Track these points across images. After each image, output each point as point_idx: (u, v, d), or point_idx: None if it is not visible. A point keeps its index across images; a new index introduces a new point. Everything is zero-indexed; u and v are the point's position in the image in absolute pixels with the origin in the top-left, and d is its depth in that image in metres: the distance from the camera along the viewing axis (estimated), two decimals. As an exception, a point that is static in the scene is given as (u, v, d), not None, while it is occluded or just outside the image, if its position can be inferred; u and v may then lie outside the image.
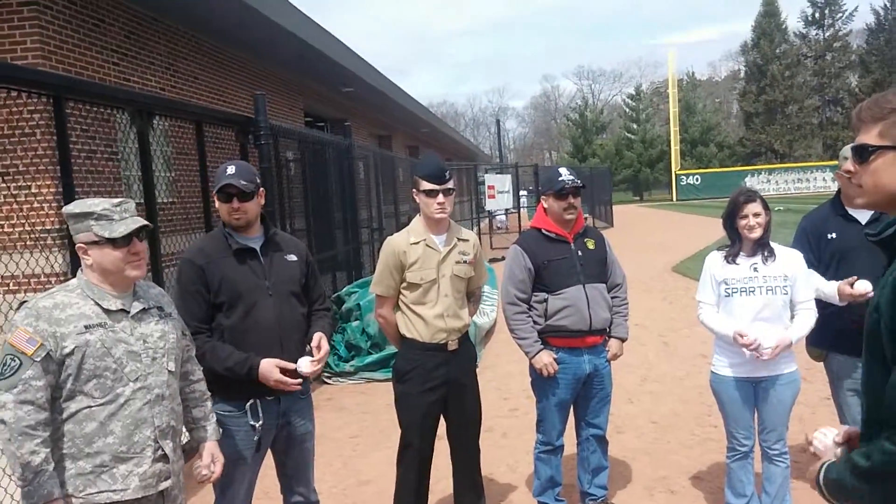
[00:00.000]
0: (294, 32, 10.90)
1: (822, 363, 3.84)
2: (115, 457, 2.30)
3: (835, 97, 55.03)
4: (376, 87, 16.86)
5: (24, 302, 2.33)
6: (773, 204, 25.36)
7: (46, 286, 2.49)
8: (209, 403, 2.74)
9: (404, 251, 3.45)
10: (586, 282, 3.67)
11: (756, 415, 3.60)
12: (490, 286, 8.49)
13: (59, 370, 2.24)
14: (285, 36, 10.92)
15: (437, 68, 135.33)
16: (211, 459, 2.67)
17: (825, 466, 1.59)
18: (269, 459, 3.20)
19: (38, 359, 2.19)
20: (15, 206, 6.34)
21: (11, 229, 6.41)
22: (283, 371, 2.95)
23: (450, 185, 3.46)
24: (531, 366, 3.74)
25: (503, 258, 3.95)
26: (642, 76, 78.21)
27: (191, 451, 2.76)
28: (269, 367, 2.93)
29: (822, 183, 45.47)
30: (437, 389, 3.48)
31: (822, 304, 3.63)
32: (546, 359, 3.64)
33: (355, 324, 7.39)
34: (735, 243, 3.55)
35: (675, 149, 48.94)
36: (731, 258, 3.54)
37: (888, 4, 52.85)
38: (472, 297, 3.69)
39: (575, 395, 3.77)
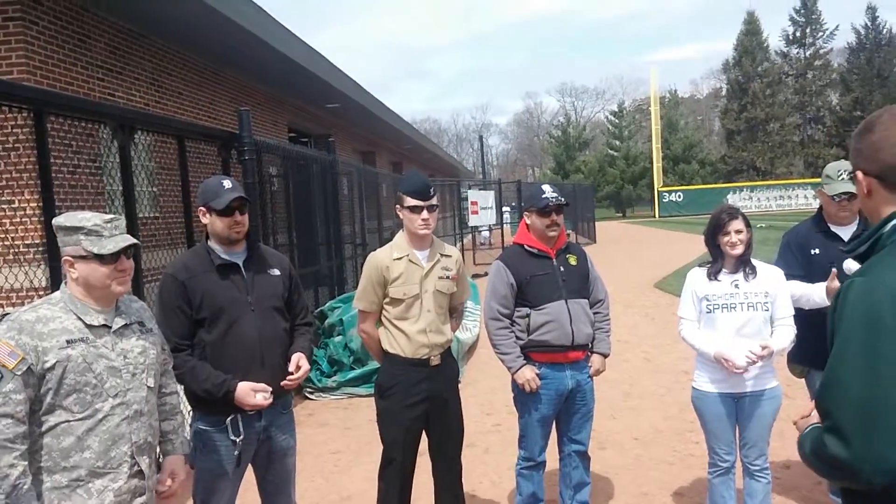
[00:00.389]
0: (279, 49, 10.93)
1: (803, 380, 3.88)
2: (91, 472, 2.29)
3: (816, 115, 55.84)
4: (360, 104, 16.91)
5: (6, 314, 2.32)
6: (756, 221, 25.63)
7: (26, 301, 2.48)
8: (179, 417, 2.72)
9: (387, 266, 3.46)
10: (568, 297, 3.69)
11: (737, 430, 3.62)
12: (473, 302, 8.52)
13: (40, 384, 2.23)
14: (270, 52, 10.95)
15: (420, 85, 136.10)
16: (168, 474, 2.64)
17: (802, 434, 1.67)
18: (249, 475, 3.18)
19: (20, 372, 2.17)
20: (-5, 220, 6.29)
21: (-8, 244, 6.35)
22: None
23: (434, 201, 3.49)
24: (514, 381, 3.75)
25: (486, 274, 3.97)
26: (625, 93, 79.09)
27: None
28: (246, 391, 2.93)
29: (803, 200, 46.04)
30: (420, 405, 3.48)
31: (803, 323, 3.67)
32: (528, 374, 3.66)
33: (338, 339, 7.37)
34: (717, 260, 3.58)
35: (657, 166, 49.39)
36: (712, 275, 3.57)
37: (868, 23, 53.88)
38: (454, 312, 3.71)
39: (557, 410, 3.78)
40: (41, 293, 2.59)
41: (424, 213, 3.43)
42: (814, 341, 3.66)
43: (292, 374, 3.08)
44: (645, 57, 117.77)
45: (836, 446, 1.42)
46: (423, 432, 3.58)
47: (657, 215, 47.80)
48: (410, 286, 3.45)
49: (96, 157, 7.33)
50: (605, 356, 3.88)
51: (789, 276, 3.66)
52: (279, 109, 14.42)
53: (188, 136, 5.42)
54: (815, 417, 1.66)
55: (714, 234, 3.56)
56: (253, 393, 2.94)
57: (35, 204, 6.06)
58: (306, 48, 12.48)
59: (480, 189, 20.88)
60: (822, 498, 4.20)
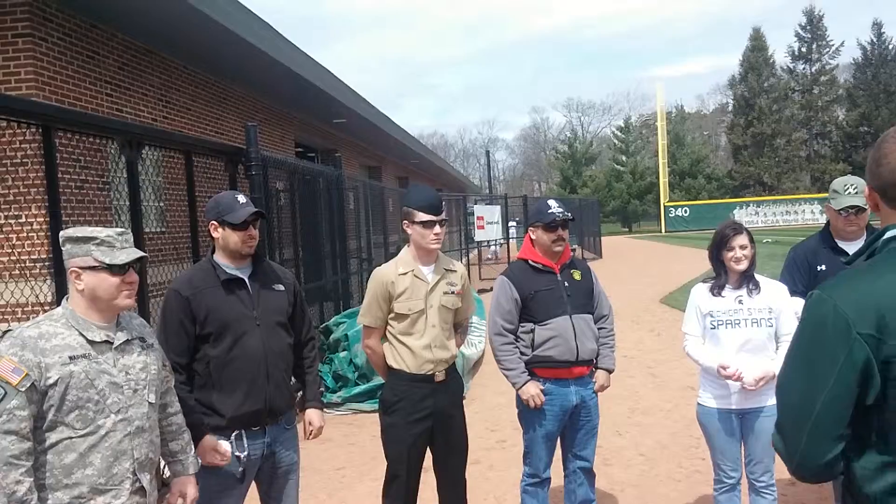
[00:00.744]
0: (287, 65, 11.01)
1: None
2: (93, 489, 2.28)
3: (822, 130, 55.84)
4: (367, 119, 16.99)
5: (8, 331, 2.33)
6: (762, 236, 25.61)
7: (31, 315, 2.49)
8: (186, 436, 2.71)
9: (392, 282, 3.46)
10: (573, 312, 3.69)
11: (743, 447, 3.60)
12: (478, 317, 8.50)
13: (42, 400, 2.23)
14: (279, 68, 11.03)
15: (427, 100, 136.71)
16: (178, 495, 2.63)
17: None
18: (253, 491, 3.17)
19: (23, 389, 2.18)
20: (1, 235, 6.33)
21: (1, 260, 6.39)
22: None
23: (444, 215, 3.50)
24: (518, 397, 3.74)
25: (492, 289, 3.96)
26: (631, 108, 79.30)
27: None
28: (210, 446, 2.90)
29: (810, 215, 45.92)
30: (424, 421, 3.47)
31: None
32: (533, 390, 3.64)
33: (343, 354, 7.36)
34: (721, 276, 3.58)
35: (663, 181, 49.39)
36: (716, 290, 3.57)
37: (874, 39, 53.98)
38: (459, 327, 3.70)
39: (562, 426, 3.76)
40: (47, 308, 2.60)
41: (437, 228, 3.43)
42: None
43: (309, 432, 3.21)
44: (651, 72, 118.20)
45: (778, 441, 1.57)
46: (428, 448, 3.57)
47: (663, 230, 47.73)
48: (415, 301, 3.45)
49: (104, 172, 7.39)
50: (610, 372, 3.87)
51: (794, 292, 3.65)
52: (286, 124, 14.50)
53: (195, 151, 5.46)
54: None
55: (718, 249, 3.56)
56: (213, 452, 2.91)
57: (42, 219, 6.11)
58: (313, 64, 12.57)
59: (487, 204, 20.91)
60: (830, 516, 4.16)
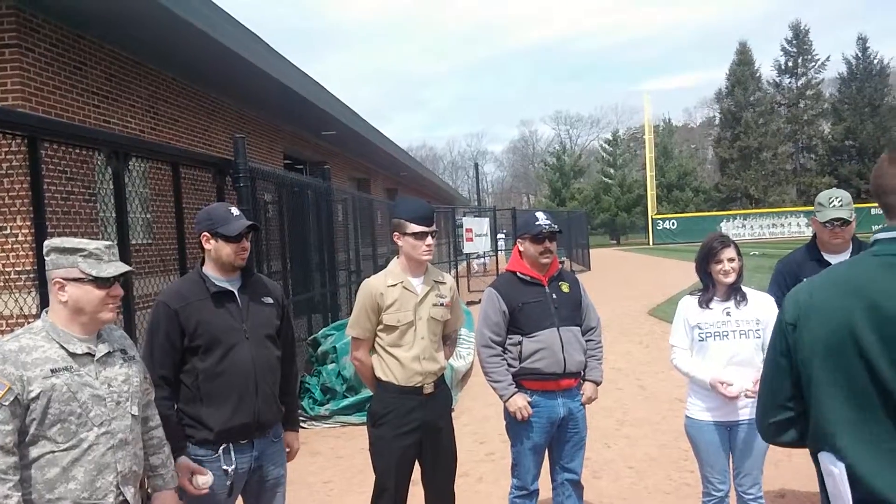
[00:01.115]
0: (275, 77, 11.02)
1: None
2: (76, 503, 2.25)
3: (808, 144, 56.37)
4: (356, 131, 17.01)
5: None
6: (749, 249, 25.75)
7: (15, 328, 2.45)
8: (167, 450, 2.68)
9: (381, 293, 3.45)
10: (560, 324, 3.69)
11: (731, 459, 3.60)
12: (467, 329, 8.49)
13: (25, 414, 2.20)
14: (267, 80, 11.04)
15: (416, 113, 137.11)
16: None
17: None
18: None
19: (7, 403, 2.15)
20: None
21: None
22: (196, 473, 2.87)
23: (434, 226, 3.50)
24: (506, 409, 3.73)
25: (480, 301, 3.96)
26: (619, 122, 79.69)
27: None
28: (183, 469, 2.83)
29: (796, 228, 46.32)
30: (413, 433, 3.46)
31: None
32: (520, 402, 3.63)
33: (331, 367, 7.32)
34: (708, 288, 3.59)
35: (651, 193, 49.66)
36: (704, 303, 3.58)
37: (859, 54, 54.65)
38: (448, 339, 3.70)
39: (549, 438, 3.75)
40: (31, 320, 2.56)
41: (428, 239, 3.44)
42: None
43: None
44: (639, 86, 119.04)
45: (756, 414, 1.90)
46: (416, 461, 3.55)
47: (651, 243, 47.94)
48: (404, 313, 3.44)
49: (90, 183, 7.34)
50: (598, 384, 3.87)
51: (780, 305, 3.66)
52: (275, 136, 14.49)
53: (183, 162, 5.43)
54: None
55: (706, 261, 3.57)
56: (188, 473, 2.84)
57: (27, 230, 6.06)
58: (302, 76, 12.58)
59: (475, 216, 20.94)
60: (818, 528, 4.16)
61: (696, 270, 3.66)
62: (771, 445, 3.56)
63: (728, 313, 3.53)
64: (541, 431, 3.70)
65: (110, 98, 8.45)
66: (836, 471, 1.57)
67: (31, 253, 6.02)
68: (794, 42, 56.00)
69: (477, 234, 18.69)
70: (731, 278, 3.51)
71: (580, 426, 3.79)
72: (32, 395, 2.19)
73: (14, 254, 6.35)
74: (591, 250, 30.51)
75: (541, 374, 3.66)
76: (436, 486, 3.59)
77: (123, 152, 4.30)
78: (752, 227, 47.68)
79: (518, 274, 3.78)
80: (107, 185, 4.64)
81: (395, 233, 3.51)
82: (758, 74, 56.38)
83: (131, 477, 2.39)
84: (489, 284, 3.97)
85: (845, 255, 3.68)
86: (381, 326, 3.47)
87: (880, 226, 1.73)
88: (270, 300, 3.18)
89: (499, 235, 22.04)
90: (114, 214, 4.32)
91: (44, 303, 3.47)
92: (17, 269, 6.35)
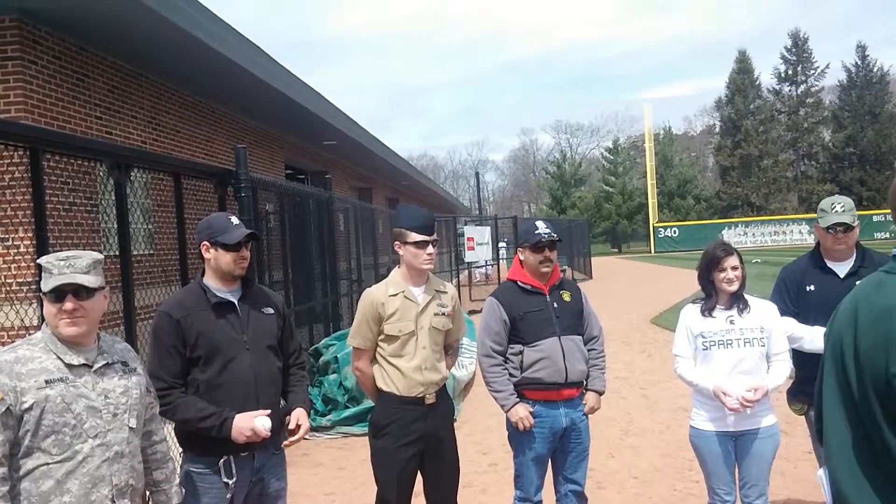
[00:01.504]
0: (278, 88, 11.05)
1: (802, 416, 3.84)
2: None
3: (808, 151, 56.40)
4: (358, 141, 17.04)
5: None
6: (751, 256, 25.73)
7: (16, 340, 2.45)
8: (171, 465, 2.67)
9: (382, 303, 3.44)
10: (562, 334, 3.67)
11: (737, 469, 3.58)
12: (469, 338, 8.47)
13: (18, 426, 2.19)
14: (269, 91, 11.07)
15: (417, 123, 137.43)
16: None
17: None
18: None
19: None
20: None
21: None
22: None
23: (435, 235, 3.49)
24: (508, 419, 3.71)
25: (482, 310, 3.95)
26: (619, 130, 79.71)
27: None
28: (244, 418, 2.87)
29: (798, 235, 46.32)
30: (415, 444, 3.44)
31: (803, 360, 3.65)
32: (522, 412, 3.61)
33: (332, 377, 7.30)
34: (711, 296, 3.57)
35: (652, 201, 49.70)
36: (706, 311, 3.56)
37: (859, 62, 54.78)
38: (449, 349, 3.68)
39: (552, 449, 3.73)
40: (32, 332, 2.56)
41: (430, 248, 3.43)
42: (814, 378, 3.65)
43: (293, 432, 3.05)
44: (639, 94, 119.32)
45: None
46: (419, 472, 3.53)
47: (653, 251, 47.92)
48: (406, 323, 3.43)
49: (92, 194, 7.35)
50: (600, 393, 3.84)
51: (784, 312, 3.66)
52: (276, 147, 14.52)
53: (184, 173, 5.44)
54: None
55: (709, 269, 3.55)
56: (251, 418, 2.87)
57: (29, 242, 6.06)
58: (304, 86, 12.62)
59: (477, 225, 20.94)
60: (824, 538, 4.12)
61: (698, 279, 3.64)
62: (777, 455, 3.55)
63: (732, 321, 3.51)
64: (543, 442, 3.68)
65: (112, 109, 8.47)
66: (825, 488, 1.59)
67: (32, 264, 6.02)
68: (794, 50, 56.14)
69: (478, 242, 18.68)
70: (735, 286, 3.50)
71: (583, 436, 3.76)
72: (26, 405, 2.19)
73: (15, 265, 6.36)
74: (592, 258, 30.49)
75: (542, 383, 3.64)
76: (438, 498, 3.56)
77: (125, 163, 4.30)
78: (753, 234, 47.67)
79: (519, 283, 3.77)
80: (108, 196, 4.65)
81: (396, 242, 3.50)
82: (758, 82, 56.51)
83: (128, 490, 2.38)
84: (490, 294, 3.96)
85: (849, 263, 3.66)
86: (382, 336, 3.46)
87: None
88: (271, 310, 3.17)
89: (500, 244, 22.02)
90: (115, 225, 4.32)
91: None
92: (19, 280, 6.35)
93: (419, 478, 3.55)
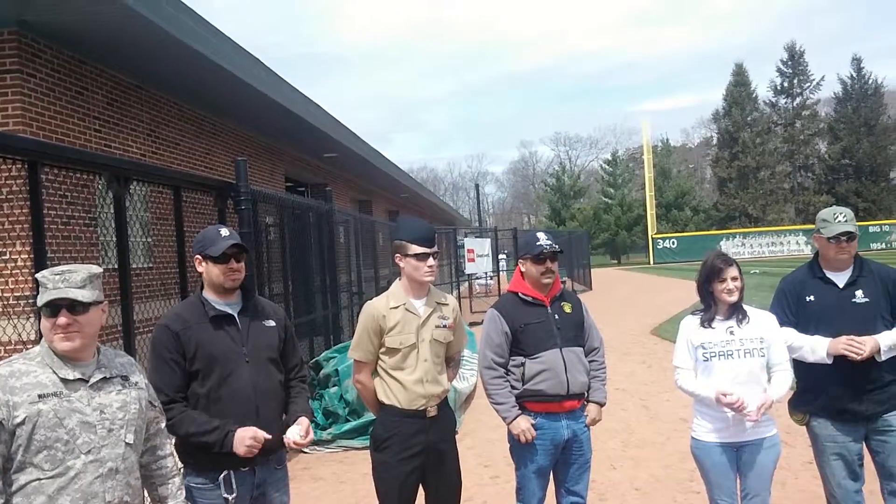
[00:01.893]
0: (276, 100, 11.07)
1: (803, 427, 3.83)
2: None
3: (805, 163, 56.64)
4: (358, 154, 17.07)
5: None
6: (749, 267, 25.73)
7: (13, 354, 2.44)
8: (177, 480, 2.64)
9: (384, 315, 3.43)
10: (563, 345, 3.66)
11: (738, 480, 3.55)
12: (470, 350, 8.45)
13: (11, 440, 2.17)
14: (269, 104, 11.09)
15: (417, 135, 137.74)
16: None
17: None
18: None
19: None
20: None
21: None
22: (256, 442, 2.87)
23: (436, 247, 3.48)
24: (509, 432, 3.69)
25: (483, 322, 3.93)
26: (618, 142, 79.98)
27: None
28: (245, 432, 2.85)
29: (795, 246, 46.47)
30: (416, 457, 3.41)
31: (804, 371, 3.65)
32: (524, 424, 3.60)
33: (333, 390, 7.27)
34: (710, 307, 3.57)
35: (650, 213, 49.81)
36: (706, 322, 3.55)
37: (854, 74, 55.12)
38: (451, 361, 3.66)
39: (554, 461, 3.71)
40: (29, 346, 2.55)
41: (430, 260, 3.42)
42: (815, 389, 3.65)
43: (293, 437, 3.02)
44: (637, 107, 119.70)
45: None
46: (420, 486, 3.50)
47: (652, 262, 47.97)
48: (407, 335, 3.42)
49: (91, 208, 7.34)
50: (602, 405, 3.83)
51: (784, 323, 3.65)
52: (276, 159, 14.53)
53: (184, 185, 5.44)
54: None
55: (708, 280, 3.55)
56: (252, 430, 2.85)
57: (27, 255, 6.05)
58: (304, 99, 12.65)
59: (477, 237, 20.94)
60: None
61: (697, 290, 3.64)
62: (777, 465, 3.54)
63: (732, 332, 3.50)
64: (545, 454, 3.66)
65: (111, 122, 8.48)
66: None
67: (30, 278, 6.00)
68: (790, 63, 56.47)
69: (479, 254, 18.68)
70: (735, 297, 3.50)
71: (585, 448, 3.74)
72: (18, 420, 2.17)
73: (13, 279, 6.34)
74: (592, 270, 30.49)
75: (544, 395, 3.62)
76: (440, 511, 3.53)
77: (124, 176, 4.30)
78: (751, 245, 47.78)
79: (520, 295, 3.76)
80: (107, 209, 4.64)
81: (397, 254, 3.49)
82: (754, 95, 56.82)
83: None
84: (491, 305, 3.95)
85: (847, 273, 3.66)
86: (383, 349, 3.44)
87: None
88: (272, 323, 3.15)
89: (500, 256, 22.02)
90: (114, 239, 4.31)
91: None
92: (17, 294, 6.33)
93: (420, 491, 3.52)
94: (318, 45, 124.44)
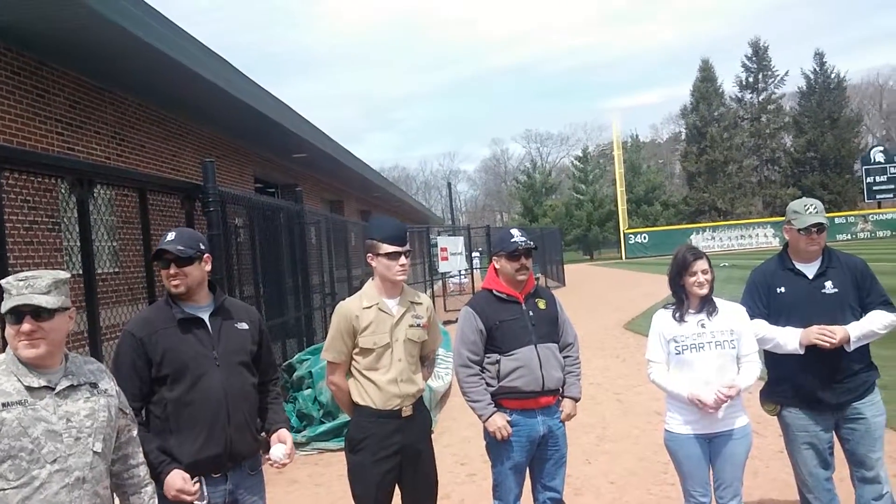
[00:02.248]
0: (244, 100, 10.95)
1: (774, 417, 3.87)
2: None
3: (771, 157, 57.63)
4: (328, 153, 16.96)
5: None
6: (718, 260, 26.06)
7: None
8: (149, 489, 2.58)
9: (356, 316, 3.40)
10: (538, 342, 3.66)
11: (711, 471, 3.59)
12: (445, 349, 8.44)
13: None
14: (237, 104, 10.97)
15: (388, 134, 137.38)
16: None
17: None
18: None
19: None
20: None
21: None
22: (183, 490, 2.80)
23: (408, 246, 3.46)
24: (485, 429, 3.68)
25: (457, 320, 3.92)
26: (588, 139, 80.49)
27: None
28: (175, 479, 2.77)
29: (763, 238, 47.25)
30: (392, 458, 3.39)
31: (774, 362, 3.69)
32: (500, 421, 3.59)
33: (307, 392, 7.21)
34: (682, 301, 3.59)
35: (622, 208, 50.29)
36: (678, 315, 3.58)
37: (817, 69, 56.15)
38: (426, 360, 3.65)
39: (530, 457, 3.71)
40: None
41: (402, 259, 3.40)
42: (786, 379, 3.69)
43: (279, 458, 3.01)
44: (606, 103, 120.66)
45: None
46: (396, 486, 3.48)
47: (624, 257, 48.45)
48: (381, 335, 3.39)
49: (54, 212, 7.19)
50: (576, 400, 3.84)
51: (754, 315, 3.69)
52: (245, 160, 14.39)
53: (150, 188, 5.35)
54: None
55: (679, 274, 3.58)
56: (181, 481, 2.77)
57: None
58: (272, 99, 12.53)
59: (450, 235, 20.94)
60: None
61: (669, 284, 3.67)
62: (749, 455, 3.58)
63: (703, 325, 3.54)
64: (521, 450, 3.66)
65: (74, 125, 8.32)
66: None
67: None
68: (754, 58, 57.40)
69: (452, 252, 18.68)
70: (705, 290, 3.53)
71: (560, 444, 3.75)
72: None
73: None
74: (565, 266, 30.67)
75: (519, 392, 3.62)
76: (417, 511, 3.51)
77: (87, 179, 4.22)
78: (720, 238, 48.49)
79: (495, 292, 3.76)
80: (71, 213, 4.55)
81: (369, 254, 3.47)
82: (721, 90, 57.66)
83: None
84: (466, 303, 3.94)
85: (817, 264, 3.71)
86: (357, 350, 3.41)
87: None
88: (245, 325, 3.10)
89: (473, 254, 22.04)
90: (78, 244, 4.22)
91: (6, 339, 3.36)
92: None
93: (397, 491, 3.50)
94: (286, 45, 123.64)
